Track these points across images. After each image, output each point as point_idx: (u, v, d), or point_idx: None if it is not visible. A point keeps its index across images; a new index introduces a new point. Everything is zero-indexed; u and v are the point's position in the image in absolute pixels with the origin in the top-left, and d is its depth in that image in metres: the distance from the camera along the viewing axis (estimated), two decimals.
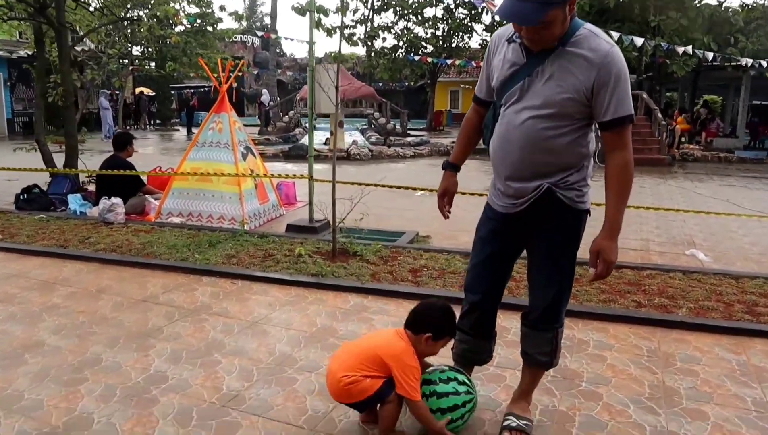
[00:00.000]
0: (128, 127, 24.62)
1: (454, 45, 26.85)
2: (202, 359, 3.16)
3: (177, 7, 12.80)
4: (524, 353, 2.51)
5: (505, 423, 2.46)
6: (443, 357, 2.91)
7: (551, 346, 2.42)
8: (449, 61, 22.47)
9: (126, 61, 21.17)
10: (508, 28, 2.29)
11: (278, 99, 27.18)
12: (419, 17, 26.45)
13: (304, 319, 3.77)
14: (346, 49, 34.18)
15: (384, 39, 27.57)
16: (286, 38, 37.59)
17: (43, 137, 8.80)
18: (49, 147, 8.78)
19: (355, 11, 26.52)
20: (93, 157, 10.49)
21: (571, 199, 2.27)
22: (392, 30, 27.01)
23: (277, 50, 33.15)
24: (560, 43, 2.13)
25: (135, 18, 12.12)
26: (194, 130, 20.94)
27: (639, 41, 14.05)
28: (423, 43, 26.80)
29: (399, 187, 7.07)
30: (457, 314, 2.62)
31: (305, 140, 14.40)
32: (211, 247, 5.27)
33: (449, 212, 2.65)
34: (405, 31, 26.88)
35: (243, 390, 2.83)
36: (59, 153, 8.88)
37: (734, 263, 5.66)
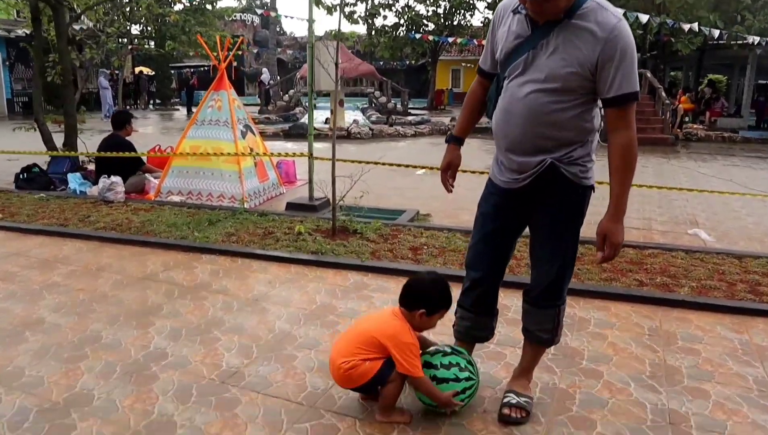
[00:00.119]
0: (128, 107, 24.46)
1: (455, 23, 26.57)
2: (201, 336, 3.15)
3: None
4: (525, 330, 2.49)
5: (506, 400, 2.45)
6: (444, 335, 2.90)
7: (553, 324, 2.41)
8: (450, 40, 22.27)
9: (125, 40, 20.96)
10: None
11: (278, 78, 27.00)
12: None
13: (303, 296, 3.75)
14: (346, 27, 33.93)
15: (385, 17, 27.15)
16: (286, 16, 37.34)
17: (42, 116, 8.74)
18: (49, 126, 8.72)
19: None
20: (93, 136, 10.42)
21: (575, 174, 2.23)
22: (393, 8, 26.70)
23: (277, 29, 32.86)
24: (566, 15, 2.07)
25: None
26: (194, 109, 20.74)
27: (644, 18, 13.87)
28: (424, 21, 26.54)
29: (399, 166, 7.02)
30: (458, 292, 2.61)
31: (305, 119, 14.30)
32: (211, 226, 5.25)
33: (452, 186, 2.61)
34: (406, 8, 26.58)
35: (242, 367, 2.82)
36: (59, 132, 8.82)
37: (737, 243, 5.63)
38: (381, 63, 32.80)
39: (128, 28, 19.82)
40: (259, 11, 24.31)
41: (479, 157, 10.92)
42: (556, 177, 2.23)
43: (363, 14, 26.84)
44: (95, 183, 6.85)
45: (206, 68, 31.37)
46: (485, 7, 26.26)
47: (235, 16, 22.80)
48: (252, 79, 35.66)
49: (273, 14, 22.58)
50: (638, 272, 4.20)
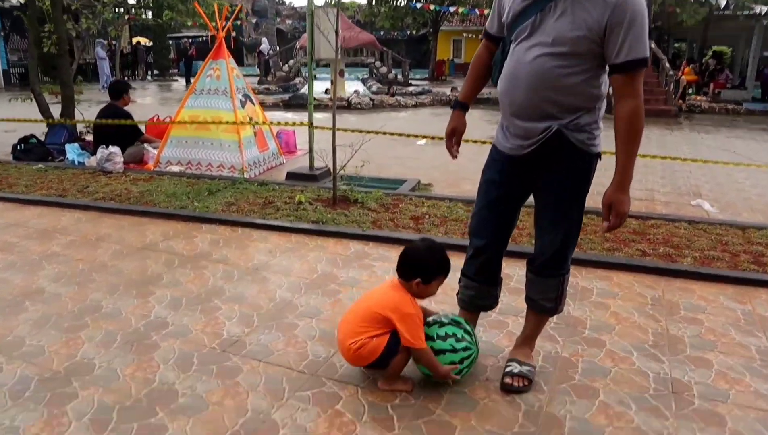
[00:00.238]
0: (126, 78, 24.19)
1: None
2: (202, 305, 3.13)
3: None
4: (529, 299, 2.47)
5: (508, 369, 2.44)
6: (446, 305, 2.88)
7: (557, 292, 2.38)
8: (452, 9, 21.92)
9: (121, 9, 20.63)
10: None
11: (278, 48, 26.66)
12: None
13: (304, 265, 3.73)
14: None
15: None
16: None
17: (39, 87, 8.63)
18: (46, 98, 8.62)
19: None
20: (91, 108, 10.32)
21: (581, 141, 2.18)
22: None
23: None
24: None
25: None
26: (192, 80, 20.59)
27: None
28: None
29: (401, 135, 6.95)
30: (460, 261, 2.58)
31: (305, 89, 14.15)
32: (211, 195, 5.21)
33: (458, 152, 2.56)
34: None
35: (243, 335, 2.81)
36: (56, 103, 8.72)
37: (740, 214, 5.60)
38: (381, 33, 32.39)
39: None
40: None
41: (480, 127, 10.82)
42: (562, 144, 2.18)
43: None
44: (93, 153, 6.78)
45: (205, 38, 30.96)
46: None
47: None
48: (251, 50, 35.22)
49: None
50: (641, 242, 4.18)
